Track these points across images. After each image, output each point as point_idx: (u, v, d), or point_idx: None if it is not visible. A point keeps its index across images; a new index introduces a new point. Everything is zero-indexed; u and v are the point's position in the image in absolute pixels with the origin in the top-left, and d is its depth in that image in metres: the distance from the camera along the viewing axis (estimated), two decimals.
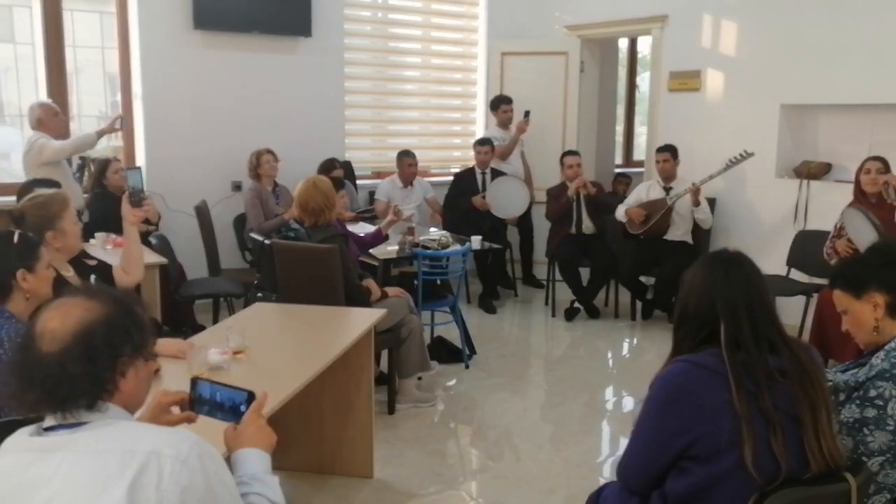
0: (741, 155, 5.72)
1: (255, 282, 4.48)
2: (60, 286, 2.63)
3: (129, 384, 1.46)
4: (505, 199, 6.66)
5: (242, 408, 1.66)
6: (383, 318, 3.56)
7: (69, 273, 2.91)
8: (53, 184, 4.11)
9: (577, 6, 7.39)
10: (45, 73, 5.80)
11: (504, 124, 7.15)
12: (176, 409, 1.75)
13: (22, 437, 1.44)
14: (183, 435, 1.42)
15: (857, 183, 4.93)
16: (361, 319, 3.41)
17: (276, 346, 3.13)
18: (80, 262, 3.05)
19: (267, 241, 4.40)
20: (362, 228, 5.55)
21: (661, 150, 6.17)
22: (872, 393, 2.11)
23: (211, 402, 1.68)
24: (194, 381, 1.71)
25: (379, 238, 4.85)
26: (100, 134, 5.35)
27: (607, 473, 3.78)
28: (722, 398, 1.82)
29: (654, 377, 1.95)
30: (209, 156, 6.24)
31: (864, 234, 4.37)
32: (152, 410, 1.69)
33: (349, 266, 4.00)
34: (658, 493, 1.92)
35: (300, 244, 3.95)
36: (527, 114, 6.95)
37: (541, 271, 7.13)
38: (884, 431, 2.08)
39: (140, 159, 6.13)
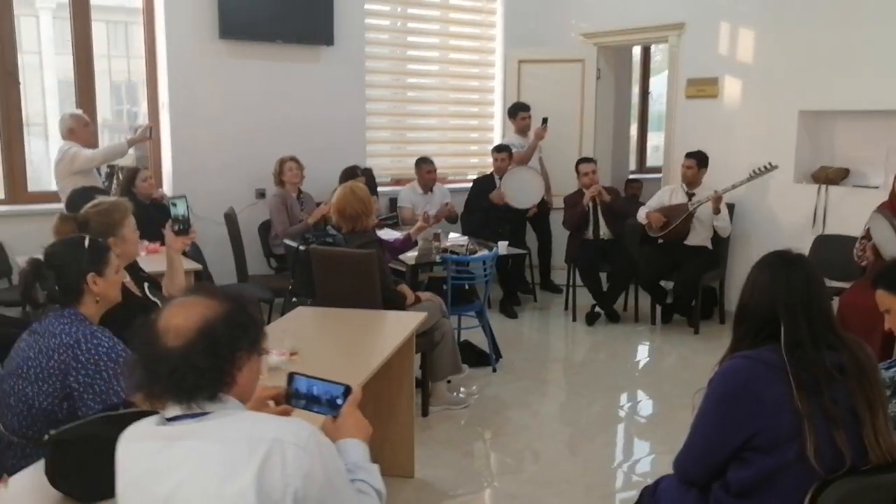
0: (766, 167, 5.80)
1: (290, 287, 4.56)
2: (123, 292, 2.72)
3: (245, 377, 1.54)
4: (520, 189, 6.76)
5: (339, 401, 1.74)
6: (423, 321, 3.64)
7: (126, 278, 3.00)
8: (102, 191, 4.20)
9: (594, 14, 7.49)
10: (74, 83, 5.91)
11: (522, 131, 7.23)
12: (271, 403, 1.83)
13: (147, 426, 1.53)
14: (301, 424, 1.51)
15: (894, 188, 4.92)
16: (404, 323, 3.50)
17: (326, 349, 3.22)
18: (134, 269, 3.14)
19: (302, 247, 4.48)
20: (387, 234, 5.64)
21: (688, 155, 6.23)
22: None
23: (308, 395, 1.77)
24: (291, 376, 1.79)
25: (408, 244, 4.93)
26: (130, 143, 5.47)
27: (626, 472, 3.89)
28: (781, 392, 1.90)
29: (712, 373, 2.04)
30: (234, 163, 6.33)
31: (886, 239, 4.43)
32: (250, 404, 1.77)
33: (385, 271, 4.09)
34: (720, 483, 2.00)
35: (339, 250, 4.04)
36: (545, 120, 7.04)
37: (559, 276, 7.20)
38: None
39: (166, 166, 6.24)
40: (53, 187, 5.49)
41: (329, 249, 4.09)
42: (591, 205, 6.39)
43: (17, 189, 5.74)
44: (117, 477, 1.53)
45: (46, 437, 1.88)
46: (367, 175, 6.76)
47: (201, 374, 1.46)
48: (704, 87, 6.63)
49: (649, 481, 2.41)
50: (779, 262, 2.06)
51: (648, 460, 4.09)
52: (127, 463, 1.51)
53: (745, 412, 1.92)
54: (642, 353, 6.06)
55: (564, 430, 4.46)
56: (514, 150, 6.98)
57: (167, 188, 6.15)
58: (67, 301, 2.44)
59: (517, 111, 7.24)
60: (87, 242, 2.49)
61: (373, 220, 4.24)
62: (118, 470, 1.53)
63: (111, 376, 2.34)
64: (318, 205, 6.18)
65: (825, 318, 1.98)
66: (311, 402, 1.77)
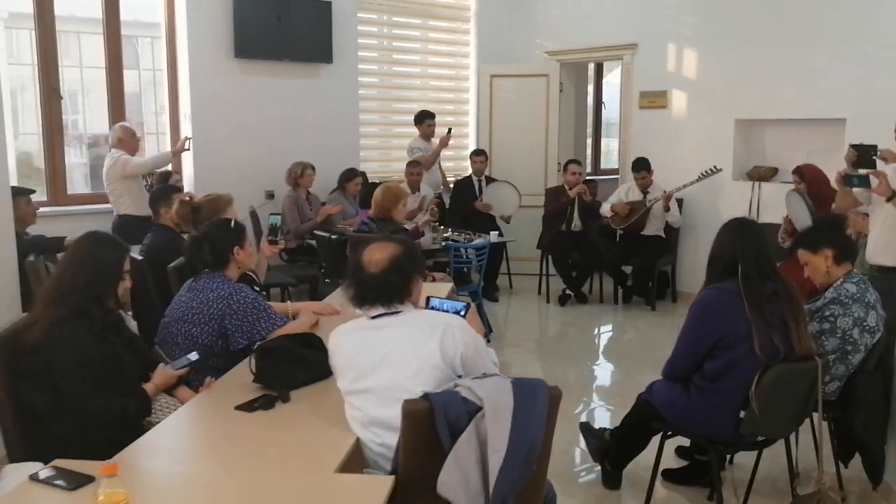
0: (711, 170, 6.81)
1: (322, 271, 5.40)
2: None
3: (415, 290, 2.45)
4: (500, 201, 7.72)
5: (462, 312, 2.66)
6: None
7: None
8: (178, 189, 5.01)
9: (557, 35, 8.52)
10: (106, 96, 6.65)
11: (427, 137, 7.87)
12: None
13: (357, 323, 2.41)
14: (457, 316, 2.43)
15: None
16: (438, 292, 4.37)
17: None
18: None
19: (334, 237, 5.35)
20: None
21: (638, 169, 7.13)
22: (827, 313, 3.21)
23: (440, 309, 2.68)
24: (428, 298, 2.70)
25: (417, 234, 5.82)
26: (174, 153, 6.25)
27: (590, 418, 4.83)
28: (737, 309, 2.88)
29: (693, 300, 3.01)
30: (246, 167, 7.11)
31: (799, 213, 5.45)
32: None
33: None
34: (698, 374, 2.98)
35: (375, 235, 4.91)
36: (449, 130, 7.88)
37: (529, 266, 8.12)
38: (834, 338, 3.18)
39: (187, 170, 6.99)
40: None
41: (367, 235, 4.95)
42: (572, 199, 7.35)
43: (59, 192, 6.44)
44: (339, 357, 2.40)
45: (255, 347, 2.73)
46: (362, 177, 7.62)
47: (395, 286, 2.35)
48: (655, 99, 7.67)
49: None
50: (739, 224, 3.08)
51: (608, 412, 4.95)
52: (346, 346, 2.38)
53: (715, 323, 2.91)
54: (607, 328, 7.06)
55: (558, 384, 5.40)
56: (419, 154, 7.63)
57: (188, 188, 6.89)
58: (217, 266, 3.27)
59: (424, 118, 7.80)
60: (232, 223, 3.33)
61: (401, 213, 5.13)
62: (338, 353, 2.40)
63: (255, 319, 3.17)
64: (323, 204, 7.02)
65: (767, 261, 2.97)
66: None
